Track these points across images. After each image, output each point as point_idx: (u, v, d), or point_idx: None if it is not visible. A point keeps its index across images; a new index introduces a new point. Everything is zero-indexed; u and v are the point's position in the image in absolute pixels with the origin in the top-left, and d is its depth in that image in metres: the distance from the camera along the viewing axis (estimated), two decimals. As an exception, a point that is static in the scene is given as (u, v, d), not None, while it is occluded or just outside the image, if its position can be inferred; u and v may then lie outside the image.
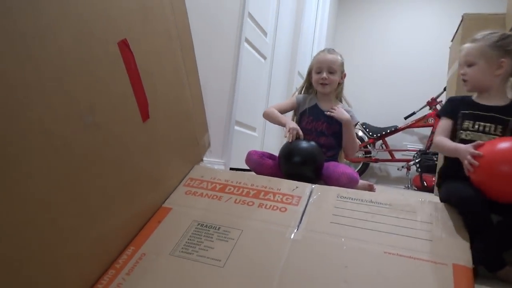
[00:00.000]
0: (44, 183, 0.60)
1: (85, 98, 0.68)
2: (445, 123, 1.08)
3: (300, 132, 1.35)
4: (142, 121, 0.84)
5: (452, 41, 2.54)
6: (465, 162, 0.91)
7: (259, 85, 2.19)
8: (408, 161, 3.81)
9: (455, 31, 2.40)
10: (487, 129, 0.99)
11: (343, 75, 1.52)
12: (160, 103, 0.91)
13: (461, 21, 2.20)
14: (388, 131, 3.96)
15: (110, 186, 0.76)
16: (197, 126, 1.11)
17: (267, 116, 1.51)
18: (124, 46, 0.77)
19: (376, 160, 4.00)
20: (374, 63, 4.45)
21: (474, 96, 1.07)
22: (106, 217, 0.75)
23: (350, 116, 1.45)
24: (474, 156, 0.89)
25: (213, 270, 0.75)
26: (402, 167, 3.88)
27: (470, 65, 1.04)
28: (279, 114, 1.47)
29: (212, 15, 1.49)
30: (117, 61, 0.76)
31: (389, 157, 4.00)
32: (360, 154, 4.04)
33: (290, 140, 1.32)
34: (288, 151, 1.31)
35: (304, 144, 1.33)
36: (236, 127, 1.86)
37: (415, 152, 3.77)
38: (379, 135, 3.98)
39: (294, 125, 1.38)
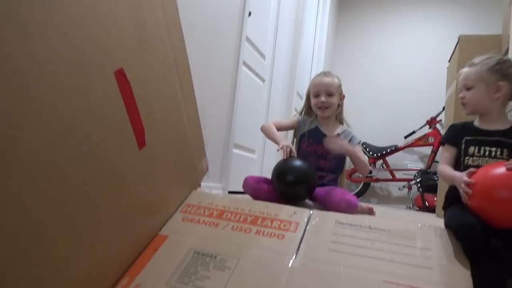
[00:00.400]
0: (37, 214, 0.59)
1: (81, 128, 0.68)
2: (448, 151, 1.08)
3: (293, 150, 1.35)
4: (138, 149, 0.84)
5: (449, 61, 2.56)
6: (461, 191, 0.90)
7: (258, 107, 2.20)
8: (409, 180, 3.80)
9: (452, 51, 2.43)
10: (493, 153, 0.98)
11: (341, 97, 1.53)
12: (156, 130, 0.91)
13: (457, 42, 2.23)
14: (389, 150, 3.96)
15: (106, 215, 0.75)
16: (194, 151, 1.11)
17: (264, 130, 1.50)
18: (120, 75, 0.78)
19: (377, 180, 3.98)
20: (373, 82, 4.48)
21: (476, 122, 1.08)
22: (101, 247, 0.74)
23: (352, 137, 1.46)
24: (468, 184, 0.88)
25: (209, 301, 0.73)
26: (404, 186, 3.86)
27: (468, 88, 1.05)
28: (275, 131, 1.47)
29: (210, 39, 1.51)
30: (113, 90, 0.76)
31: (390, 177, 3.99)
32: (361, 174, 4.03)
33: (285, 157, 1.32)
34: (281, 170, 1.31)
35: (297, 162, 1.33)
36: (235, 150, 1.86)
37: (416, 172, 3.75)
38: (379, 154, 3.98)
39: (287, 142, 1.38)
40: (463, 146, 1.04)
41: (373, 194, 4.30)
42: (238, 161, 1.91)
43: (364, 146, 4.02)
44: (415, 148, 4.11)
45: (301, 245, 0.87)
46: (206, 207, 1.02)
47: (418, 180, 3.63)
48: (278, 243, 0.88)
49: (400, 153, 4.04)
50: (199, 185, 1.16)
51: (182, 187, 1.07)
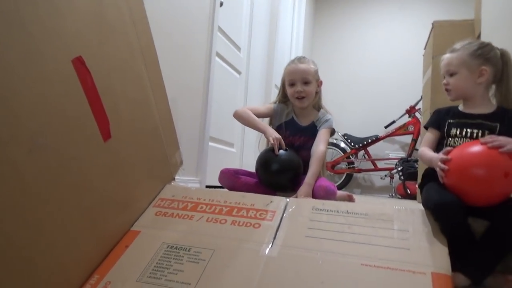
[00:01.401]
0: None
1: (35, 119, 0.64)
2: (430, 134, 1.08)
3: (283, 142, 1.30)
4: (103, 141, 0.80)
5: (425, 48, 2.58)
6: (437, 169, 0.89)
7: (235, 100, 2.17)
8: (390, 169, 3.83)
9: (427, 38, 2.44)
10: (474, 134, 0.98)
11: (319, 83, 1.44)
12: (123, 122, 0.88)
13: (432, 29, 2.24)
14: (370, 140, 3.98)
15: (69, 212, 0.71)
16: (167, 144, 1.07)
17: (240, 117, 1.40)
18: (79, 63, 0.74)
19: (360, 170, 4.01)
20: (352, 74, 4.50)
21: (460, 106, 1.07)
22: (67, 244, 0.70)
23: (327, 121, 1.39)
24: (444, 161, 0.87)
25: (182, 295, 0.70)
26: (385, 175, 3.89)
27: (452, 74, 1.04)
28: (255, 117, 1.37)
29: (180, 30, 1.47)
30: (71, 80, 0.72)
31: (372, 167, 4.01)
32: (343, 165, 4.04)
33: (277, 152, 1.26)
34: (266, 159, 1.28)
35: (282, 152, 1.29)
36: (212, 144, 1.82)
37: (397, 160, 3.79)
38: (361, 145, 4.00)
39: (277, 134, 1.31)
40: (445, 128, 1.04)
41: (356, 185, 4.32)
42: (216, 155, 1.88)
43: (345, 137, 4.03)
44: (396, 138, 4.15)
45: (277, 233, 0.84)
46: (180, 200, 0.99)
47: (399, 168, 3.66)
48: (254, 233, 0.85)
49: (381, 143, 4.07)
50: (174, 179, 1.12)
51: (155, 181, 1.03)
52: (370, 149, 4.04)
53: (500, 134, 0.92)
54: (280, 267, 0.75)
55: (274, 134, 1.30)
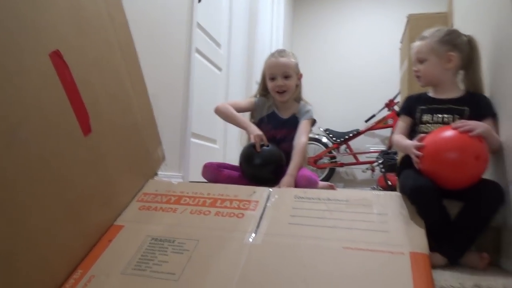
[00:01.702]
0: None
1: (13, 113, 0.64)
2: (403, 121, 1.11)
3: (265, 139, 1.31)
4: (83, 135, 0.80)
5: (401, 42, 2.63)
6: (412, 156, 0.92)
7: (216, 97, 2.17)
8: (372, 162, 3.89)
9: (403, 32, 2.49)
10: (445, 119, 1.01)
11: (299, 76, 1.44)
12: (103, 116, 0.87)
13: (407, 22, 2.29)
14: (351, 135, 4.04)
15: (50, 206, 0.70)
16: (148, 139, 1.07)
17: (221, 113, 1.39)
18: (57, 57, 0.74)
19: (342, 165, 4.06)
20: (332, 69, 4.55)
21: (430, 92, 1.10)
22: (48, 239, 0.70)
23: (308, 112, 1.40)
24: (418, 148, 0.90)
25: (167, 285, 0.71)
26: (367, 169, 3.95)
27: (421, 61, 1.07)
28: (237, 114, 1.37)
29: (158, 26, 1.46)
30: (49, 74, 0.72)
31: (354, 161, 4.07)
32: (325, 160, 4.09)
33: (259, 149, 1.27)
34: (248, 154, 1.30)
35: (264, 146, 1.31)
36: (195, 140, 1.82)
37: (378, 153, 3.85)
38: (342, 139, 4.04)
39: (258, 131, 1.30)
40: (417, 115, 1.07)
41: (339, 179, 4.37)
42: (199, 151, 1.88)
43: (327, 132, 4.08)
44: (376, 131, 4.21)
45: (261, 222, 0.86)
46: (164, 194, 0.99)
47: (380, 161, 3.72)
48: (237, 222, 0.86)
49: (362, 137, 4.12)
50: (156, 174, 1.12)
51: (137, 176, 1.03)
52: (351, 143, 4.09)
53: (469, 117, 0.96)
54: (264, 254, 0.76)
55: (256, 131, 1.30)
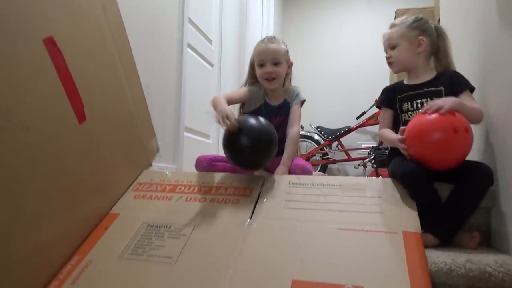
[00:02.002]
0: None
1: (8, 97, 0.64)
2: (385, 114, 1.13)
3: (231, 116, 1.02)
4: (78, 123, 0.80)
5: (390, 38, 2.66)
6: (400, 149, 0.94)
7: (208, 92, 2.17)
8: (363, 159, 3.92)
9: (391, 28, 2.53)
10: (424, 104, 1.03)
11: (289, 64, 1.37)
12: (97, 105, 0.88)
13: (395, 17, 2.32)
14: (342, 132, 4.06)
15: (46, 192, 0.71)
16: (142, 130, 1.08)
17: (213, 104, 1.20)
18: (50, 44, 0.74)
19: (334, 161, 4.08)
20: (322, 67, 4.57)
21: (405, 80, 1.13)
22: (44, 224, 0.70)
23: (297, 95, 1.36)
24: (402, 141, 0.92)
25: (165, 268, 0.71)
26: (359, 165, 3.98)
27: (393, 47, 1.10)
28: (223, 103, 1.16)
29: (150, 19, 1.46)
30: (43, 60, 0.72)
31: (346, 157, 4.10)
32: (318, 157, 4.11)
33: (230, 129, 1.00)
34: (226, 140, 1.01)
35: (248, 124, 1.00)
36: (188, 134, 1.82)
37: (369, 150, 3.88)
38: (334, 136, 4.07)
39: (224, 111, 1.05)
40: (397, 105, 1.09)
41: (331, 176, 4.40)
42: (192, 146, 1.88)
43: (318, 129, 4.10)
44: (367, 128, 4.24)
45: (256, 207, 0.87)
46: (159, 183, 1.00)
47: (371, 157, 3.76)
48: (233, 208, 0.87)
49: (353, 133, 4.15)
50: (151, 165, 1.12)
51: (132, 166, 1.03)
52: (343, 140, 4.12)
53: (446, 95, 0.98)
54: (260, 236, 0.77)
55: (222, 111, 1.06)
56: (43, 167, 0.70)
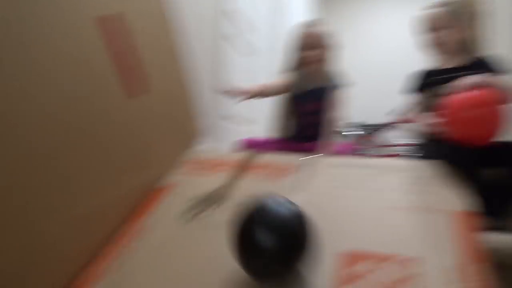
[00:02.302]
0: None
1: (60, 70, 0.67)
2: (418, 98, 1.13)
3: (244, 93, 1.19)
4: (127, 97, 0.83)
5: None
6: (436, 131, 0.92)
7: (253, 80, 2.19)
8: (397, 155, 3.83)
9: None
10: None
11: (331, 49, 1.38)
12: (152, 81, 0.91)
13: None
14: (383, 127, 3.99)
15: (94, 163, 0.73)
16: (190, 110, 1.11)
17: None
18: (103, 22, 0.77)
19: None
20: (364, 62, 4.53)
21: (438, 64, 1.10)
22: (92, 196, 0.73)
23: (339, 79, 1.37)
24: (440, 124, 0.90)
25: (219, 233, 0.70)
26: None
27: (440, 28, 1.08)
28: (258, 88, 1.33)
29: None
30: (94, 37, 0.75)
31: (383, 153, 4.03)
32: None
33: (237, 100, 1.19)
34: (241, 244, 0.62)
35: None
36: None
37: (403, 146, 3.77)
38: (374, 131, 4.02)
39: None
40: (431, 89, 1.06)
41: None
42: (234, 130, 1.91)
43: (358, 124, 4.05)
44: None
45: (301, 183, 0.88)
46: (205, 161, 1.03)
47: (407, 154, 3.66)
48: (282, 184, 0.89)
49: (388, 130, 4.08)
50: (196, 144, 1.16)
51: (178, 144, 1.06)
52: (379, 135, 4.07)
53: None
54: (313, 205, 0.75)
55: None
56: (92, 136, 0.73)
